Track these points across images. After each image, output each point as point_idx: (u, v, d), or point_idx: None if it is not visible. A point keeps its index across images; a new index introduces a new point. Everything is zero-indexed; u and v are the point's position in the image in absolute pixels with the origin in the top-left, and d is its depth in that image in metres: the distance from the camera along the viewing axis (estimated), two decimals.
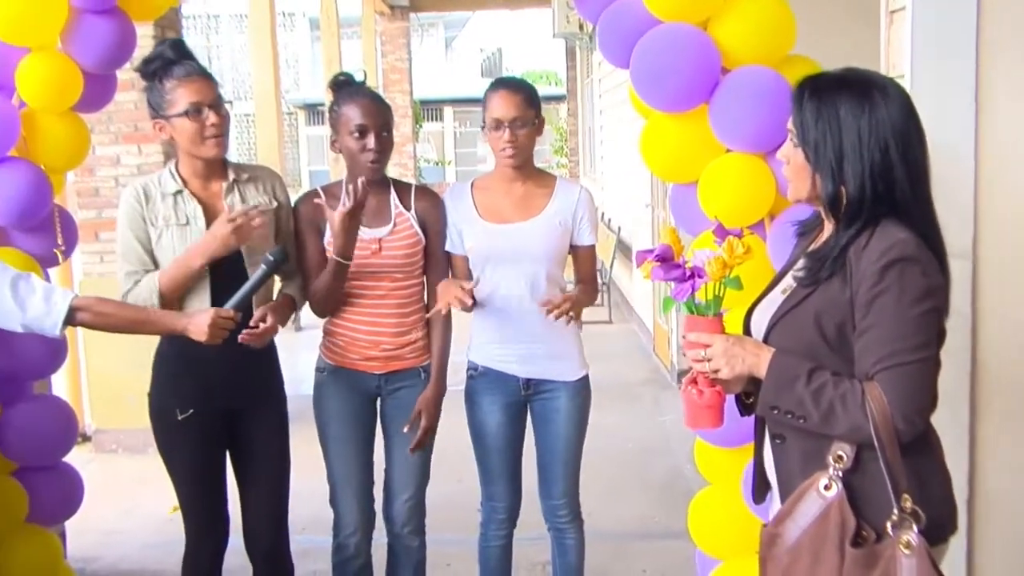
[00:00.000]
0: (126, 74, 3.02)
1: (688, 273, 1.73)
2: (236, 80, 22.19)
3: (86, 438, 5.14)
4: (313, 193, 2.73)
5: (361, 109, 2.61)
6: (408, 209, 2.72)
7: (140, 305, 2.46)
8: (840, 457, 1.63)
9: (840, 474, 1.63)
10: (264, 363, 2.68)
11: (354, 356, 2.72)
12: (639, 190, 7.33)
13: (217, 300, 2.47)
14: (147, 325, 2.42)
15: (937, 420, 1.68)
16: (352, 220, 2.50)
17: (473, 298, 2.55)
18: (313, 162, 21.98)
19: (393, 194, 2.73)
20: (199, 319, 2.34)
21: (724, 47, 2.30)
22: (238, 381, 2.60)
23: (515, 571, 2.97)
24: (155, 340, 2.60)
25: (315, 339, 2.84)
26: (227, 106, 2.57)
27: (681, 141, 2.42)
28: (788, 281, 1.79)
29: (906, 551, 1.57)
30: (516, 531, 2.89)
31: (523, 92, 2.66)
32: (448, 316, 2.76)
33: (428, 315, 2.71)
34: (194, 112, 2.47)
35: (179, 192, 2.55)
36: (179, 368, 2.56)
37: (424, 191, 2.80)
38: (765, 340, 1.74)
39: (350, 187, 2.48)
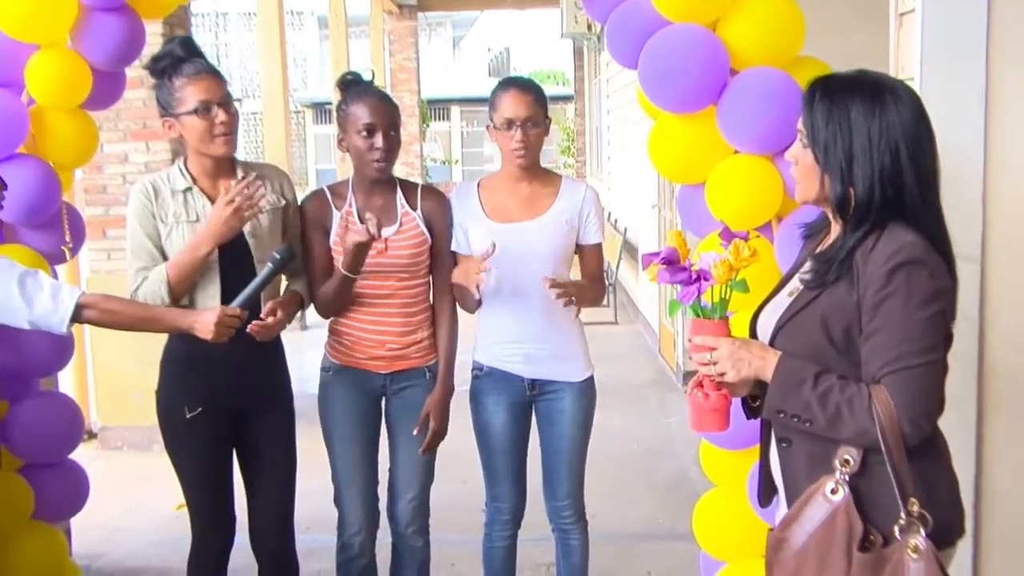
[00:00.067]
0: (135, 71, 3.03)
1: (694, 276, 1.73)
2: (244, 78, 22.24)
3: (92, 435, 5.16)
4: (319, 192, 2.73)
5: (369, 108, 2.61)
6: (414, 209, 2.72)
7: (148, 301, 2.47)
8: (847, 461, 1.63)
9: (847, 478, 1.62)
10: (272, 362, 2.69)
11: (359, 355, 2.72)
12: (646, 191, 7.32)
13: (228, 297, 2.48)
14: (154, 323, 2.42)
15: (944, 423, 1.68)
16: (366, 248, 2.51)
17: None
18: (320, 161, 22.03)
19: (399, 194, 2.73)
20: (205, 317, 2.34)
21: (733, 48, 2.30)
22: (246, 380, 2.60)
23: (519, 572, 2.97)
24: (161, 338, 2.60)
25: (321, 338, 2.84)
26: (236, 104, 2.57)
27: (689, 142, 2.41)
28: (795, 283, 1.78)
29: (914, 555, 1.56)
30: (520, 532, 2.88)
31: (534, 91, 2.67)
32: (454, 316, 2.76)
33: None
34: (203, 110, 2.47)
35: (188, 189, 2.55)
36: (188, 367, 2.57)
37: (430, 191, 2.80)
38: (771, 343, 1.74)
39: (370, 222, 2.48)
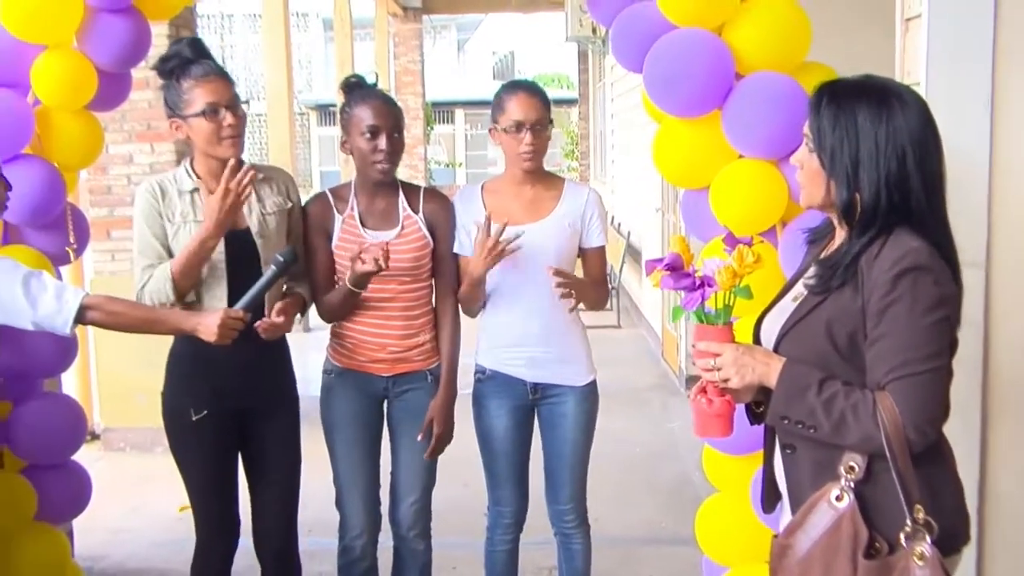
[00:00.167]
0: (140, 73, 3.03)
1: (698, 282, 1.72)
2: (249, 80, 22.26)
3: (95, 436, 5.16)
4: (321, 196, 2.73)
5: (373, 110, 2.61)
6: (416, 212, 2.71)
7: (154, 298, 2.46)
8: (852, 468, 1.62)
9: (852, 485, 1.62)
10: (277, 364, 2.69)
11: (361, 358, 2.72)
12: (650, 195, 7.31)
13: (234, 299, 2.47)
14: (157, 324, 2.42)
15: (949, 430, 1.67)
16: (373, 274, 2.52)
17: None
18: (324, 163, 22.06)
19: (401, 197, 2.73)
20: (209, 319, 2.34)
21: (738, 52, 2.29)
22: (251, 382, 2.60)
23: None
24: (165, 339, 2.60)
25: (323, 340, 2.84)
26: (243, 106, 2.57)
27: (694, 146, 2.41)
28: (799, 289, 1.78)
29: (919, 562, 1.56)
30: (522, 536, 2.88)
31: (541, 94, 2.68)
32: (457, 319, 2.76)
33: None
34: (211, 112, 2.47)
35: (195, 190, 2.55)
36: (193, 369, 2.56)
37: (433, 193, 2.80)
38: (776, 349, 1.73)
39: (380, 253, 2.48)
